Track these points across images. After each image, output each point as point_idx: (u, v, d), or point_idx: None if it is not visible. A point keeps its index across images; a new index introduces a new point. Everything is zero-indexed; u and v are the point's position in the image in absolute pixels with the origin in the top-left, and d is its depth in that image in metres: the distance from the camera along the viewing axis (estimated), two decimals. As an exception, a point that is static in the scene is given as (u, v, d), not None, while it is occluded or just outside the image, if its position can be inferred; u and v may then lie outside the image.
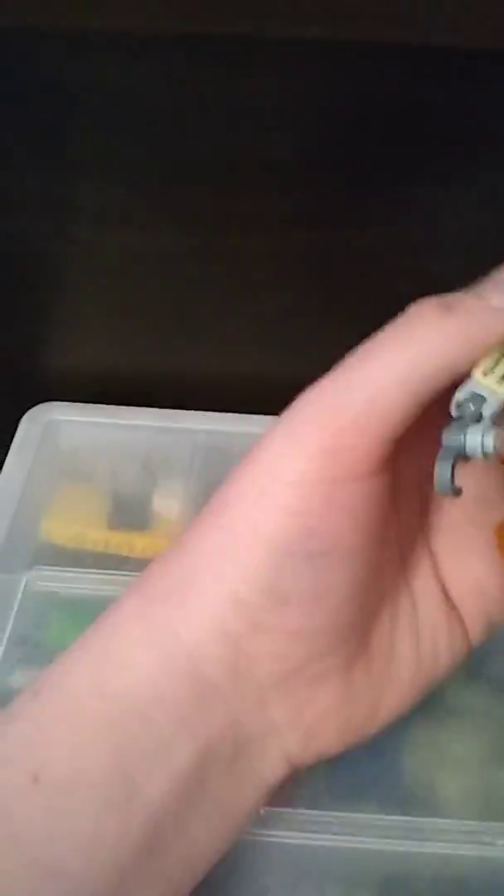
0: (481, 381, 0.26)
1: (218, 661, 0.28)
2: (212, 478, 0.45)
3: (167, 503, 0.45)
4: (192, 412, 0.45)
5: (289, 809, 0.33)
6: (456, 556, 0.31)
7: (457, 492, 0.27)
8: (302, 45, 0.35)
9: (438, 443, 0.28)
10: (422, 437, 0.27)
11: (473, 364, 0.27)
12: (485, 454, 0.26)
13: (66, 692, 0.28)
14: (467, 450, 0.26)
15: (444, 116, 0.37)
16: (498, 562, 0.30)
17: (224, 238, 0.42)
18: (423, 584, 0.31)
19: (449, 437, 0.27)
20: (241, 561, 0.27)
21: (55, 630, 0.40)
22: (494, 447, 0.26)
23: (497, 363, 0.26)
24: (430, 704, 0.36)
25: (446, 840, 0.34)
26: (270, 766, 0.29)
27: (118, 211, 0.42)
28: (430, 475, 0.30)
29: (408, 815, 0.34)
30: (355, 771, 0.35)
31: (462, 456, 0.27)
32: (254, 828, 0.33)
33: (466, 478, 0.29)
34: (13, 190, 0.41)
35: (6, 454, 0.45)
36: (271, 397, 0.38)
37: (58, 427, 0.47)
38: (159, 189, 0.41)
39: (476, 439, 0.26)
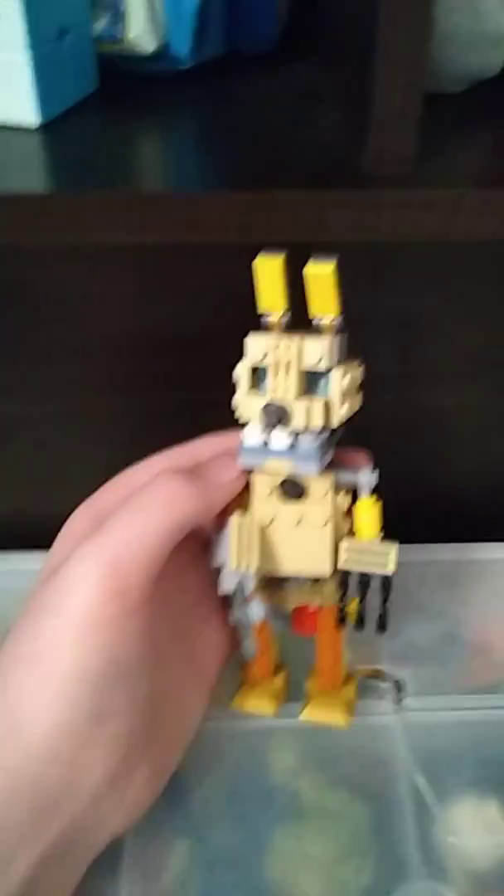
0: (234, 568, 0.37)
1: (55, 782, 0.33)
2: None
3: None
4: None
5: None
6: (197, 628, 0.41)
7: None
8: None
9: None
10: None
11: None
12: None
13: None
14: (252, 620, 0.38)
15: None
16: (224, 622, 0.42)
17: (94, 397, 0.48)
18: (175, 661, 0.40)
19: (238, 615, 0.39)
20: (67, 698, 0.33)
21: None
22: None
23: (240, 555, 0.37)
24: (289, 809, 0.42)
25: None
26: (97, 847, 0.36)
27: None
28: (171, 583, 0.39)
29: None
30: (216, 880, 0.39)
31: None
32: None
33: (192, 574, 0.41)
34: None
35: None
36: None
37: None
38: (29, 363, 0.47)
39: (256, 612, 0.38)
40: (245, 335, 0.38)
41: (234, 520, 0.37)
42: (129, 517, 0.35)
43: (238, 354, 0.40)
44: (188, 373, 0.48)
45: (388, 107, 0.33)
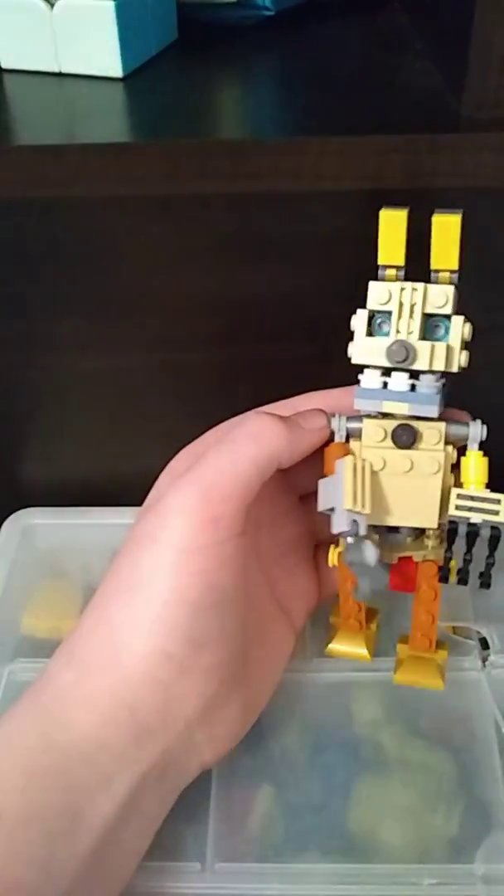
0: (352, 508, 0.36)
1: (152, 708, 0.35)
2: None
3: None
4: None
5: (236, 864, 0.38)
6: (287, 575, 0.43)
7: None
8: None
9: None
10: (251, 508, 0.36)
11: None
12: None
13: (16, 747, 0.34)
14: (367, 561, 0.36)
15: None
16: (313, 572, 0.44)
17: (169, 355, 0.48)
18: (265, 603, 0.42)
19: (352, 557, 0.36)
20: (166, 622, 0.35)
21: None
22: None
23: (355, 495, 0.36)
24: (372, 760, 0.42)
25: (379, 883, 0.37)
26: (189, 775, 0.38)
27: (76, 341, 0.48)
28: (264, 530, 0.41)
29: (346, 863, 0.38)
30: (298, 826, 0.40)
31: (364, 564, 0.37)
32: (202, 881, 0.38)
33: (285, 524, 0.43)
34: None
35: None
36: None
37: (35, 530, 0.53)
38: (111, 320, 0.47)
39: (370, 553, 0.36)
40: (332, 290, 0.38)
41: (348, 460, 0.37)
42: (220, 450, 0.36)
43: (324, 310, 0.39)
44: (269, 329, 0.47)
45: (489, 49, 0.32)
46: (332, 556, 0.40)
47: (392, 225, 0.35)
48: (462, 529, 0.37)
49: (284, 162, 0.34)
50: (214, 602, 0.35)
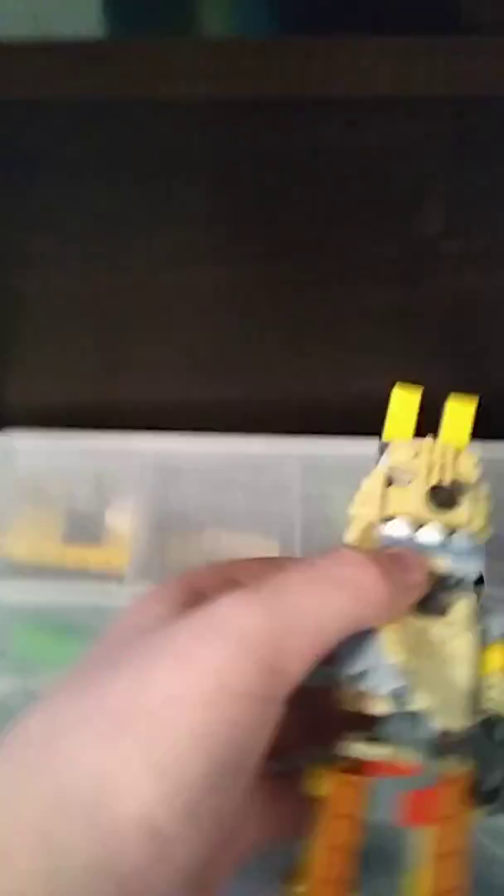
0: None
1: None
2: (159, 493, 0.49)
3: (118, 518, 0.49)
4: (139, 433, 0.49)
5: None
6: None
7: None
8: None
9: None
10: None
11: None
12: None
13: None
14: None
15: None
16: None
17: (149, 276, 0.47)
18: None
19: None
20: (170, 776, 0.24)
21: (18, 638, 0.45)
22: None
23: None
24: None
25: None
26: None
27: (56, 259, 0.46)
28: None
29: None
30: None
31: None
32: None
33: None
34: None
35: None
36: (200, 417, 0.42)
37: (16, 452, 0.52)
38: (89, 238, 0.45)
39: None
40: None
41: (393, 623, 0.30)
42: (307, 587, 0.28)
43: (325, 232, 0.37)
44: (265, 250, 0.45)
45: None
46: (319, 779, 0.29)
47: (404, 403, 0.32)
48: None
49: (264, 63, 0.32)
50: (247, 767, 0.26)
